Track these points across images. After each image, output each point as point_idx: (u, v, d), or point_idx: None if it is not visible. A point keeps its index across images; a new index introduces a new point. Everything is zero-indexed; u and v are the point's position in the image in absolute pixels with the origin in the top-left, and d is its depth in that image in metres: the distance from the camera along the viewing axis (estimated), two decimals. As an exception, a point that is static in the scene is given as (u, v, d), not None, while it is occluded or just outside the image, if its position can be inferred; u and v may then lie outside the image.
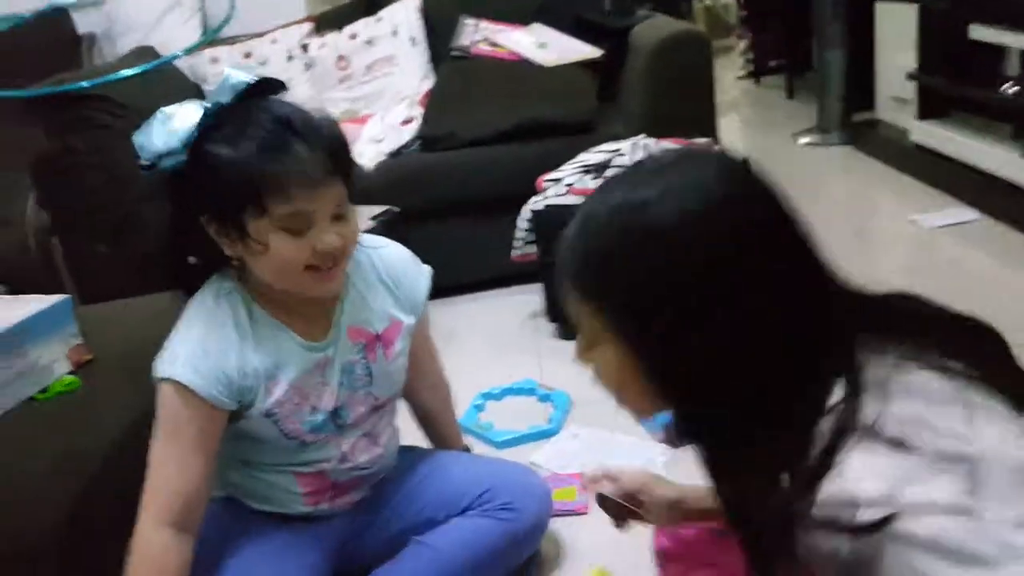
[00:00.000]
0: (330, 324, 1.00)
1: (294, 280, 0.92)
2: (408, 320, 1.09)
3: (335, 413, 1.01)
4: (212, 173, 0.86)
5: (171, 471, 0.92)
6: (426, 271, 1.14)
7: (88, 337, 1.26)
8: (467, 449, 1.31)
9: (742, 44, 5.06)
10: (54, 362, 1.20)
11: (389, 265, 1.08)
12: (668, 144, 1.81)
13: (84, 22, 2.88)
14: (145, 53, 2.61)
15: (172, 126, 0.86)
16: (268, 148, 0.85)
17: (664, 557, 0.98)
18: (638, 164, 0.72)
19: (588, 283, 0.65)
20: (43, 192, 2.28)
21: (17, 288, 2.30)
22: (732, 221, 0.61)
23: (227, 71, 0.89)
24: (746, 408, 0.61)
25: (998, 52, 2.30)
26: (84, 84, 2.17)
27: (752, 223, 0.62)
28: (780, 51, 4.46)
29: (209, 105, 0.87)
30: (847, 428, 0.56)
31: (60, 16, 2.82)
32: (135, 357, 1.14)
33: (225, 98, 0.88)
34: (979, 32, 2.28)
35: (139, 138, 0.88)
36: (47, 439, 1.09)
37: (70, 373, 1.22)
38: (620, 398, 0.71)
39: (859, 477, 0.54)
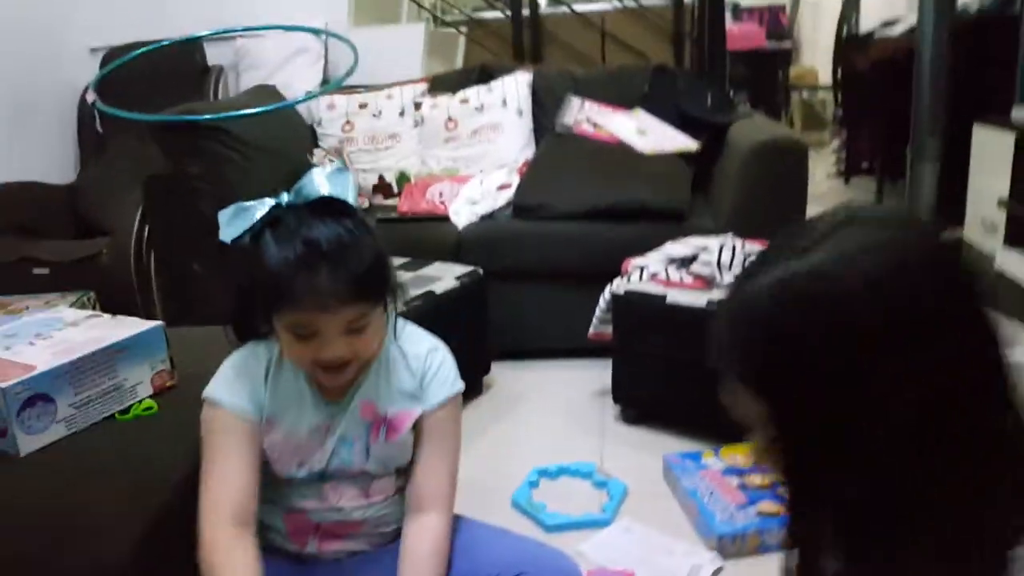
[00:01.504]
0: (346, 392, 1.03)
1: (305, 368, 1.00)
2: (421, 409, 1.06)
3: (321, 474, 1.04)
4: (253, 263, 0.94)
5: (215, 481, 0.99)
6: (459, 387, 1.08)
7: (172, 361, 1.30)
8: None
9: (836, 142, 5.06)
10: (138, 384, 1.25)
11: (427, 364, 1.06)
12: (755, 245, 1.84)
13: (214, 54, 3.09)
14: (266, 91, 2.78)
15: (246, 219, 0.94)
16: (295, 263, 0.91)
17: None
18: (790, 233, 0.59)
19: (758, 371, 0.57)
20: (152, 208, 2.44)
21: (104, 294, 2.45)
22: (930, 280, 0.53)
23: (311, 177, 0.96)
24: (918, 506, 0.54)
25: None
26: (206, 117, 2.32)
27: (947, 303, 0.53)
28: (874, 154, 4.44)
29: (277, 202, 0.96)
30: None
31: (194, 46, 3.04)
32: None
33: (294, 198, 0.96)
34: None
35: (221, 220, 0.97)
36: (125, 462, 1.13)
37: (151, 396, 1.26)
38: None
39: None
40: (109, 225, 2.61)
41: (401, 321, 1.08)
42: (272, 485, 1.04)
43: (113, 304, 2.40)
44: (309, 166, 2.51)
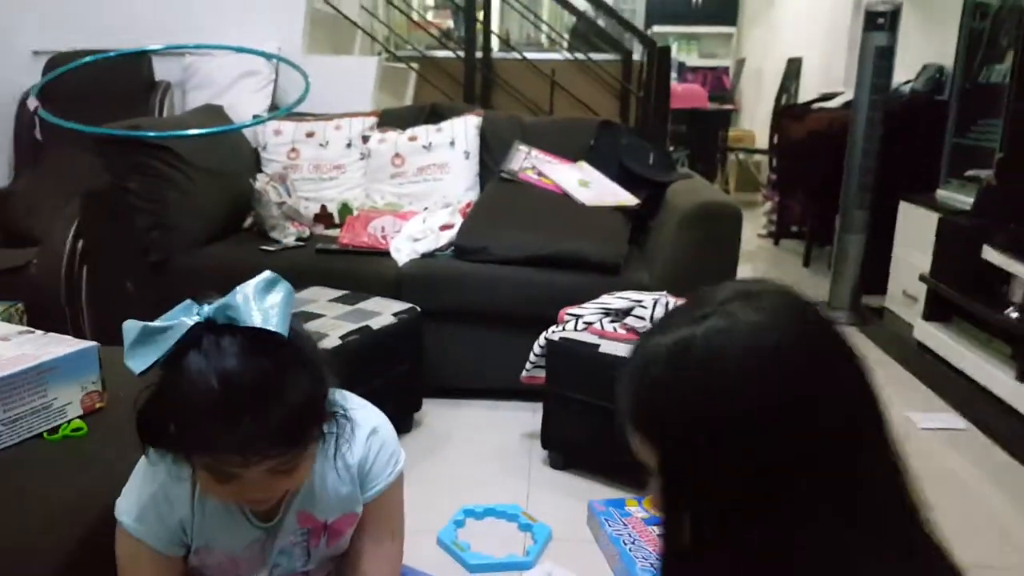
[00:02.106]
0: (279, 506, 0.97)
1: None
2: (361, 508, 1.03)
3: None
4: (166, 389, 0.81)
5: None
6: (399, 469, 1.05)
7: (104, 383, 1.28)
8: None
9: (768, 204, 5.28)
10: (67, 404, 1.24)
11: (364, 458, 1.01)
12: (687, 302, 1.91)
13: (162, 69, 3.04)
14: (213, 112, 2.76)
15: (157, 347, 0.79)
16: (213, 408, 0.78)
17: None
18: (698, 297, 0.65)
19: (647, 420, 0.63)
20: (87, 222, 2.37)
21: (31, 305, 2.36)
22: (802, 363, 0.58)
23: (240, 299, 0.80)
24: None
25: (1006, 276, 2.43)
26: (152, 134, 2.29)
27: (823, 372, 0.59)
28: (803, 219, 4.64)
29: (196, 323, 0.80)
30: None
31: (143, 59, 2.99)
32: None
33: (220, 319, 0.80)
34: (990, 254, 2.41)
35: (127, 345, 0.81)
36: (52, 483, 1.11)
37: (80, 417, 1.25)
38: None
39: None
40: (40, 235, 2.53)
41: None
42: None
43: (40, 316, 2.32)
44: (252, 190, 2.50)
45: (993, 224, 2.49)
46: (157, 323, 0.80)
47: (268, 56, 2.93)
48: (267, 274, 0.83)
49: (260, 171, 2.71)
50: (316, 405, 0.85)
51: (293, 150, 2.74)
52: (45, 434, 1.20)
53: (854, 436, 0.60)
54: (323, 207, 2.70)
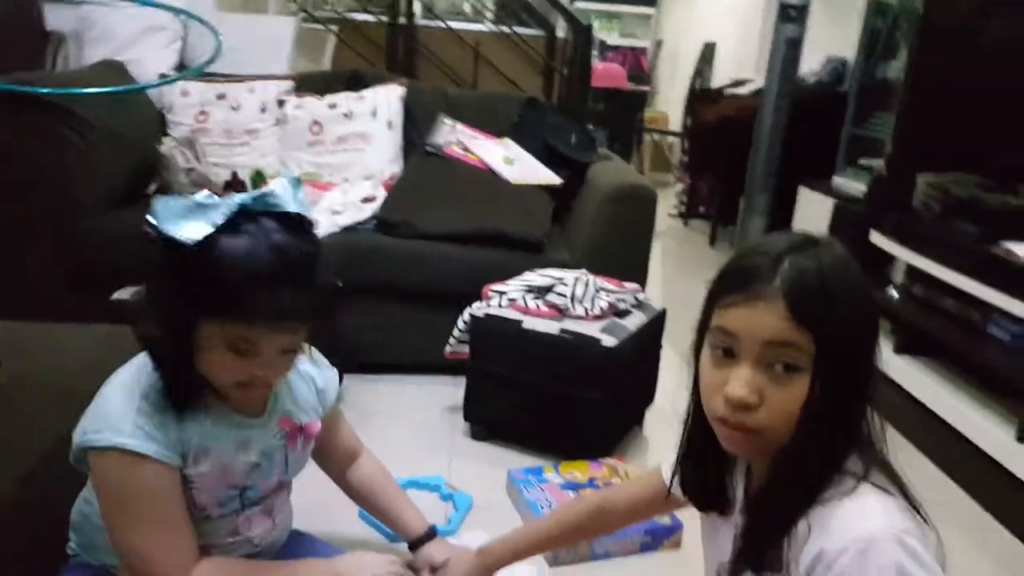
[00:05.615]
0: (265, 407, 1.03)
1: (220, 383, 0.94)
2: (321, 418, 1.14)
3: (243, 491, 1.03)
4: (209, 265, 0.86)
5: (169, 548, 0.94)
6: (336, 374, 1.19)
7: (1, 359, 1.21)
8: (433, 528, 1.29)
9: (679, 185, 5.44)
10: None
11: (315, 366, 1.14)
12: (605, 281, 1.96)
13: (55, 18, 2.80)
14: (113, 68, 2.57)
15: (207, 218, 0.86)
16: (260, 275, 0.85)
17: None
18: (810, 236, 0.79)
19: (809, 310, 0.70)
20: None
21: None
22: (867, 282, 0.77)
23: (278, 187, 0.89)
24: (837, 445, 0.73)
25: (890, 258, 2.63)
26: (46, 90, 2.12)
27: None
28: (711, 200, 4.83)
29: (241, 204, 0.88)
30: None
31: (31, 5, 2.75)
32: (50, 392, 1.12)
33: (259, 206, 0.89)
34: (877, 238, 2.60)
35: (168, 218, 0.86)
36: None
37: None
38: (769, 430, 0.73)
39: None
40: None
41: None
42: None
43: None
44: (157, 155, 2.37)
45: (881, 211, 2.68)
46: (200, 199, 0.86)
47: (176, 11, 2.76)
48: (290, 175, 0.92)
49: (166, 134, 2.56)
50: (333, 291, 0.96)
51: (202, 113, 2.61)
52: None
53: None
54: (234, 174, 2.59)
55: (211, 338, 0.88)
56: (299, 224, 0.90)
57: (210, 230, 0.85)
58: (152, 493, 0.92)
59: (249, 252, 0.86)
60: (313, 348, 1.14)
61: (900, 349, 2.42)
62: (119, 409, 0.91)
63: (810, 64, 3.83)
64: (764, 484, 0.77)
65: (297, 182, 0.92)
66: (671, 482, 0.93)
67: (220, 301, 0.86)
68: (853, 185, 3.22)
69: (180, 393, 0.94)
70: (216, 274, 0.85)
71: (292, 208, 0.89)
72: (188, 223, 0.85)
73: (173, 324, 0.90)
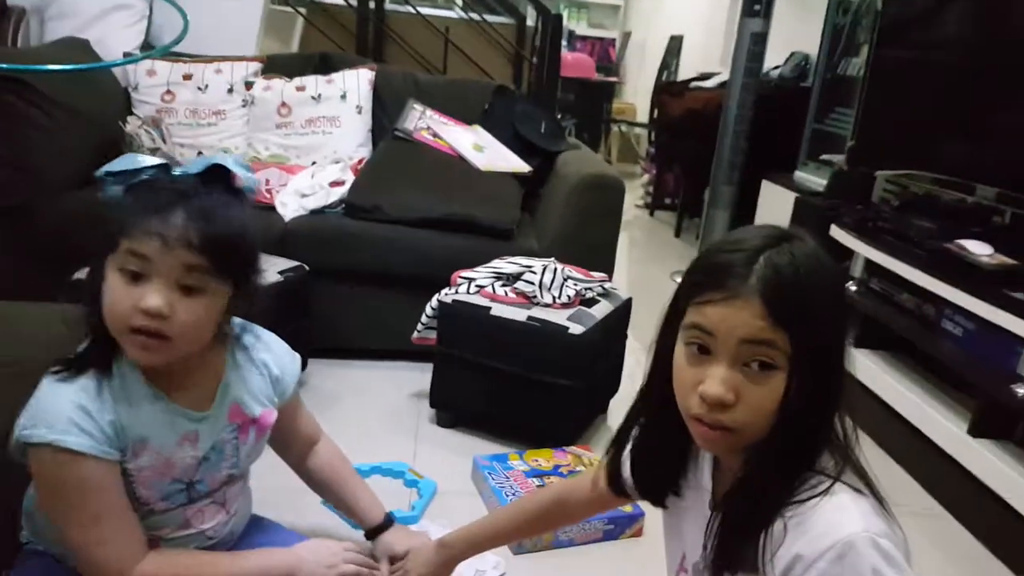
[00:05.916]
0: (214, 398, 1.01)
1: (121, 337, 0.90)
2: (277, 407, 1.12)
3: (191, 484, 1.01)
4: (123, 208, 0.92)
5: (112, 546, 0.93)
6: (298, 360, 1.18)
7: None
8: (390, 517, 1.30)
9: (646, 177, 5.50)
10: None
11: (270, 353, 1.11)
12: (572, 270, 1.99)
13: (14, -9, 2.75)
14: (77, 46, 2.52)
15: (131, 163, 0.96)
16: (158, 203, 0.89)
17: None
18: (781, 230, 0.78)
19: (785, 309, 0.70)
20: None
21: None
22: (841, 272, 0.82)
23: (220, 154, 0.97)
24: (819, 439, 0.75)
25: (849, 252, 2.69)
26: (5, 66, 2.07)
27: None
28: (676, 192, 4.89)
29: (165, 163, 0.96)
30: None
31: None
32: (4, 373, 1.06)
33: (193, 168, 0.95)
34: (837, 233, 2.66)
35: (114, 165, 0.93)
36: None
37: None
38: (745, 428, 0.73)
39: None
40: None
41: (239, 322, 1.07)
42: None
43: None
44: (122, 134, 2.32)
45: (841, 205, 2.74)
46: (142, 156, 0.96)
47: (140, -12, 2.71)
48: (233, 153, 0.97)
49: (131, 113, 2.52)
50: (246, 247, 0.94)
51: (168, 92, 2.56)
52: None
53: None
54: (200, 155, 2.56)
55: (110, 269, 0.89)
56: (221, 178, 0.95)
57: (125, 168, 0.93)
58: (89, 488, 0.90)
59: (152, 185, 0.93)
60: (271, 333, 1.14)
61: (858, 343, 2.49)
62: (54, 402, 0.89)
63: (775, 59, 3.89)
64: (738, 481, 0.77)
65: (247, 166, 0.98)
66: (614, 479, 0.97)
67: (113, 224, 0.89)
68: (815, 180, 3.29)
69: (100, 355, 0.93)
70: (123, 208, 0.90)
71: (227, 162, 0.95)
72: (113, 163, 0.93)
73: (93, 275, 0.91)
